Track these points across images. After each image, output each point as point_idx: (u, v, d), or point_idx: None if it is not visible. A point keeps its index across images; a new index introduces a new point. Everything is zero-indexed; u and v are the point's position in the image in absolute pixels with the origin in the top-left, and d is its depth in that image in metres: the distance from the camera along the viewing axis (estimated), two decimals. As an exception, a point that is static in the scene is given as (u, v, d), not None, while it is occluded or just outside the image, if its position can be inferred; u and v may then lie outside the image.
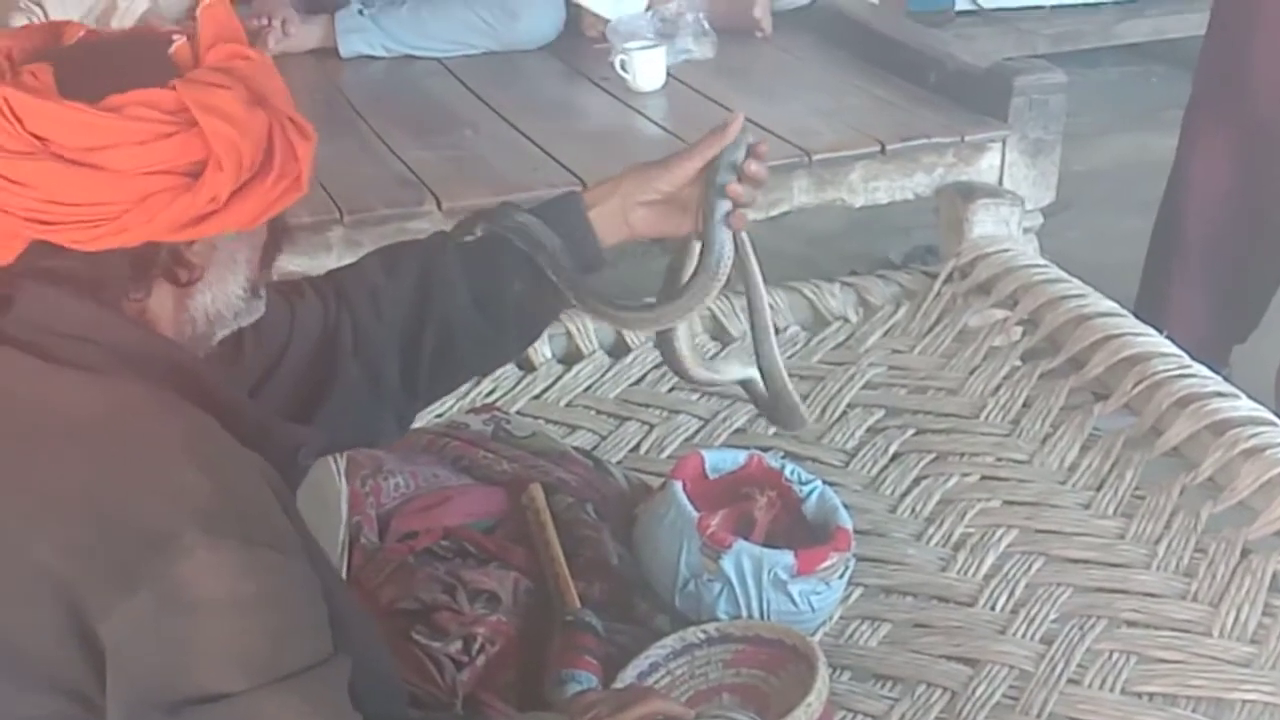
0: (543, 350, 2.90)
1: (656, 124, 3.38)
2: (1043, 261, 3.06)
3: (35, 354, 1.31)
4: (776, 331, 2.98)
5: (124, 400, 1.30)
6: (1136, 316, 2.82)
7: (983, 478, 2.55)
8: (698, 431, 2.71)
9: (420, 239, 1.83)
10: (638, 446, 2.67)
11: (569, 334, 2.92)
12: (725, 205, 1.75)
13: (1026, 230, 3.26)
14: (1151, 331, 2.72)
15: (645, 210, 1.76)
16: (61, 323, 1.32)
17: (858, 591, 2.29)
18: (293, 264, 1.81)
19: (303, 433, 1.47)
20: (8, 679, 1.26)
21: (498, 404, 2.67)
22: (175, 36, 1.36)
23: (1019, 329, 2.92)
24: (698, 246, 1.79)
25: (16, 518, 1.24)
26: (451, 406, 2.71)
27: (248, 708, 1.22)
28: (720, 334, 2.95)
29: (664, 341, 1.92)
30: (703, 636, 2.10)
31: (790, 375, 2.83)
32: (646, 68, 3.53)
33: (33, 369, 1.30)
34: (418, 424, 2.55)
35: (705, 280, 1.78)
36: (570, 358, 2.92)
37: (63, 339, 1.32)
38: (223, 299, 1.43)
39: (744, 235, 1.80)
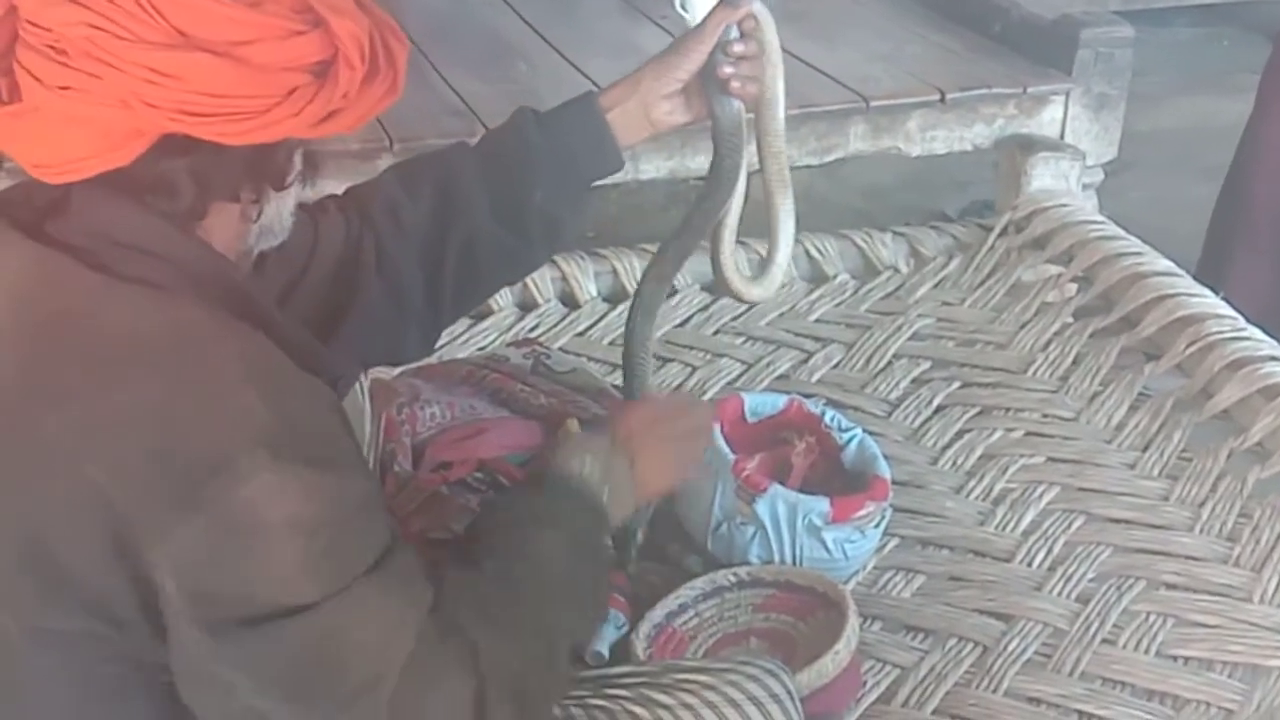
0: (588, 288, 2.88)
1: (714, 64, 3.33)
2: (1100, 218, 3.01)
3: (92, 264, 1.30)
4: (827, 280, 2.99)
5: (184, 322, 1.29)
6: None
7: (1027, 434, 2.52)
8: (740, 375, 2.68)
9: (440, 151, 1.81)
10: (680, 388, 2.65)
11: (615, 272, 2.90)
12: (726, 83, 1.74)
13: (1086, 186, 3.21)
14: (1207, 293, 2.68)
15: (667, 103, 1.75)
16: (122, 232, 1.31)
17: (893, 542, 2.27)
18: (339, 189, 1.79)
19: (343, 362, 1.47)
20: (43, 589, 1.27)
21: (540, 339, 2.65)
22: None
23: (1073, 285, 2.87)
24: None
25: (70, 434, 1.24)
26: (493, 339, 2.70)
27: (324, 616, 1.25)
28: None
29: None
30: (733, 580, 2.08)
31: (837, 323, 2.85)
32: (705, 7, 3.47)
33: (89, 284, 1.29)
34: (459, 354, 2.57)
35: (721, 162, 1.77)
36: (615, 296, 2.90)
37: (123, 250, 1.30)
38: (276, 216, 1.43)
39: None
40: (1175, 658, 2.04)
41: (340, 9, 1.30)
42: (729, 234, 1.91)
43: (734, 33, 1.73)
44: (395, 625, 1.30)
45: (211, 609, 1.23)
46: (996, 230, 3.05)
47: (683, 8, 3.45)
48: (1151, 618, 2.10)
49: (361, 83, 1.32)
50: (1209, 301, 2.64)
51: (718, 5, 1.73)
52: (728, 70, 1.71)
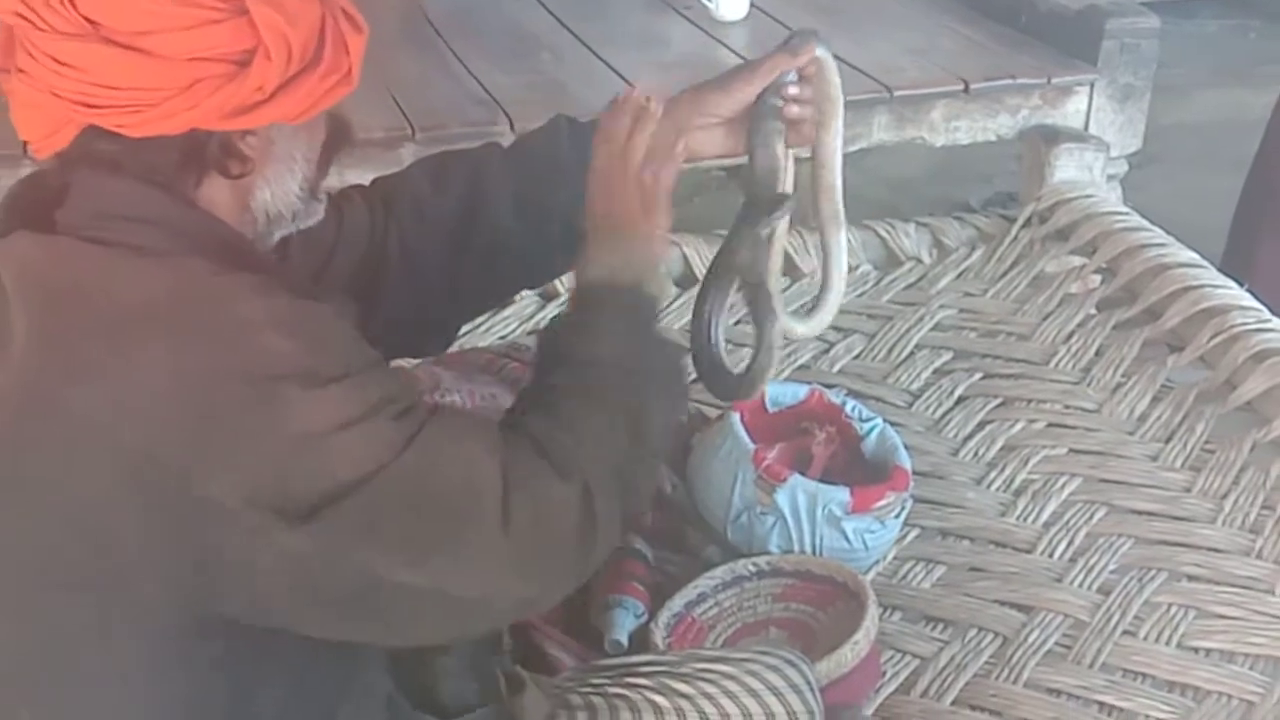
0: (610, 278, 2.87)
1: (738, 55, 3.32)
2: (1124, 209, 3.00)
3: (95, 241, 1.30)
4: (849, 270, 2.97)
5: (190, 279, 1.29)
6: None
7: (1049, 425, 2.52)
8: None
9: (470, 149, 1.80)
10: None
11: (637, 263, 2.89)
12: (776, 126, 1.69)
13: (1110, 177, 3.19)
14: (1231, 284, 2.67)
15: (701, 134, 1.69)
16: (119, 206, 1.32)
17: (914, 532, 2.27)
18: (364, 179, 1.79)
19: (351, 307, 1.47)
20: (93, 566, 1.27)
21: (561, 328, 2.65)
22: None
23: (1096, 277, 2.86)
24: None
25: (101, 408, 1.24)
26: (514, 328, 2.70)
27: (402, 467, 1.27)
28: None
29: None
30: (753, 569, 2.09)
31: (859, 314, 2.84)
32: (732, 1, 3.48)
33: (95, 257, 1.30)
34: (480, 343, 2.57)
35: (754, 204, 1.70)
36: (637, 286, 2.89)
37: (121, 222, 1.31)
38: (282, 197, 1.42)
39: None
40: (1196, 649, 2.03)
41: None
42: (775, 271, 1.84)
43: (791, 76, 1.68)
44: (472, 454, 1.32)
45: (291, 507, 1.24)
46: (1020, 221, 3.04)
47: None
48: (1173, 609, 2.09)
49: (299, 74, 1.31)
50: (1233, 293, 2.63)
51: (777, 49, 1.69)
52: (794, 111, 1.66)
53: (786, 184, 1.70)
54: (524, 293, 2.80)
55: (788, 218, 1.69)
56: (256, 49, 1.28)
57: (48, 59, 1.26)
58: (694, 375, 1.68)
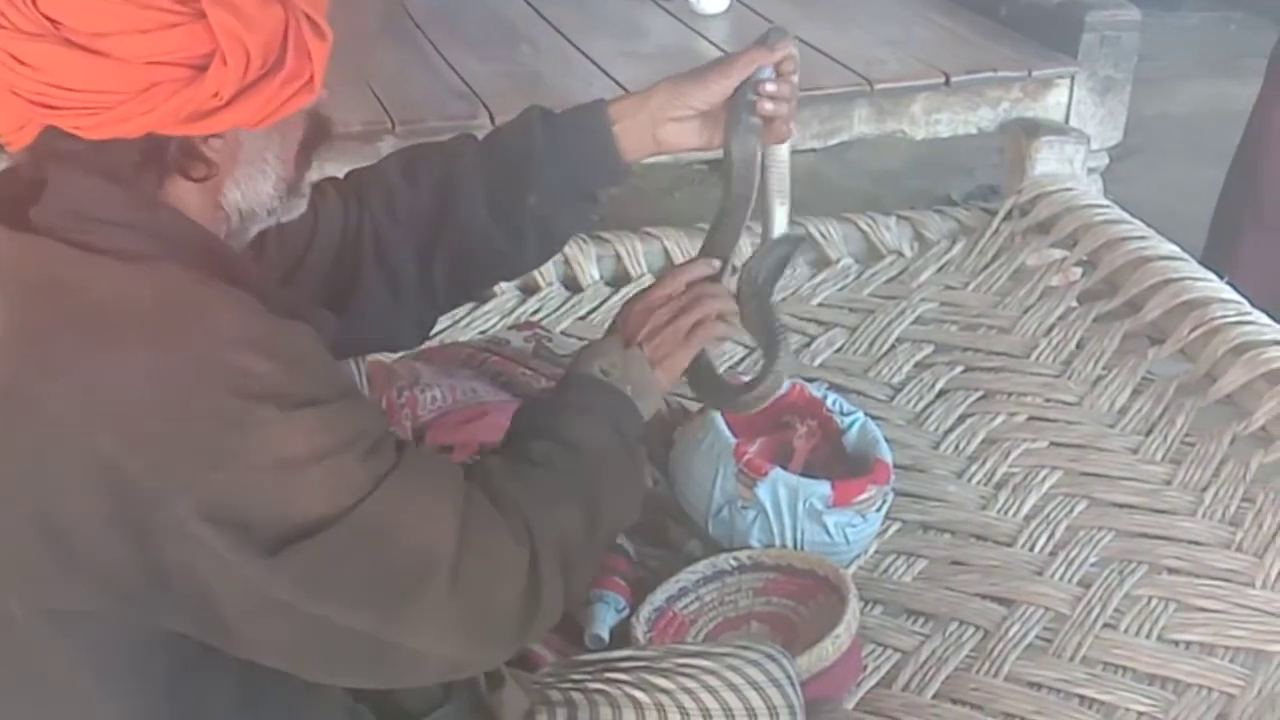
0: (591, 271, 2.88)
1: (718, 47, 3.31)
2: (1105, 202, 3.00)
3: (73, 242, 1.29)
4: (830, 264, 2.98)
5: (169, 290, 1.28)
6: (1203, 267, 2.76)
7: (1030, 418, 2.52)
8: (744, 359, 2.68)
9: (444, 142, 1.79)
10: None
11: (618, 256, 2.90)
12: (752, 122, 1.68)
13: (1091, 170, 3.19)
14: (1211, 277, 2.67)
15: (675, 125, 1.69)
16: (96, 208, 1.30)
17: (895, 526, 2.27)
18: (343, 172, 1.78)
19: (329, 319, 1.46)
20: (53, 569, 1.26)
21: (542, 322, 2.65)
22: None
23: (1077, 269, 2.86)
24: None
25: (75, 410, 1.23)
26: (495, 322, 2.70)
27: (362, 515, 1.27)
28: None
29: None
30: (734, 564, 2.08)
31: (840, 307, 2.85)
32: (711, -9, 3.47)
33: (73, 258, 1.29)
34: (460, 337, 2.56)
35: (732, 205, 1.72)
36: (618, 280, 2.90)
37: (99, 224, 1.30)
38: (254, 197, 1.41)
39: (783, 154, 1.74)
40: (1177, 642, 2.04)
41: (230, 3, 1.26)
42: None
43: (767, 73, 1.68)
44: (433, 507, 1.33)
45: (252, 536, 1.24)
46: (1000, 214, 3.04)
47: (688, -10, 3.46)
48: (1153, 602, 2.09)
49: (258, 80, 1.29)
50: (1213, 286, 2.63)
51: (754, 45, 1.68)
52: (768, 108, 1.66)
53: (769, 181, 1.70)
54: (504, 286, 2.81)
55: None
56: (214, 54, 1.26)
57: (8, 57, 1.25)
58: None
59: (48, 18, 1.23)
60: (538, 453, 1.47)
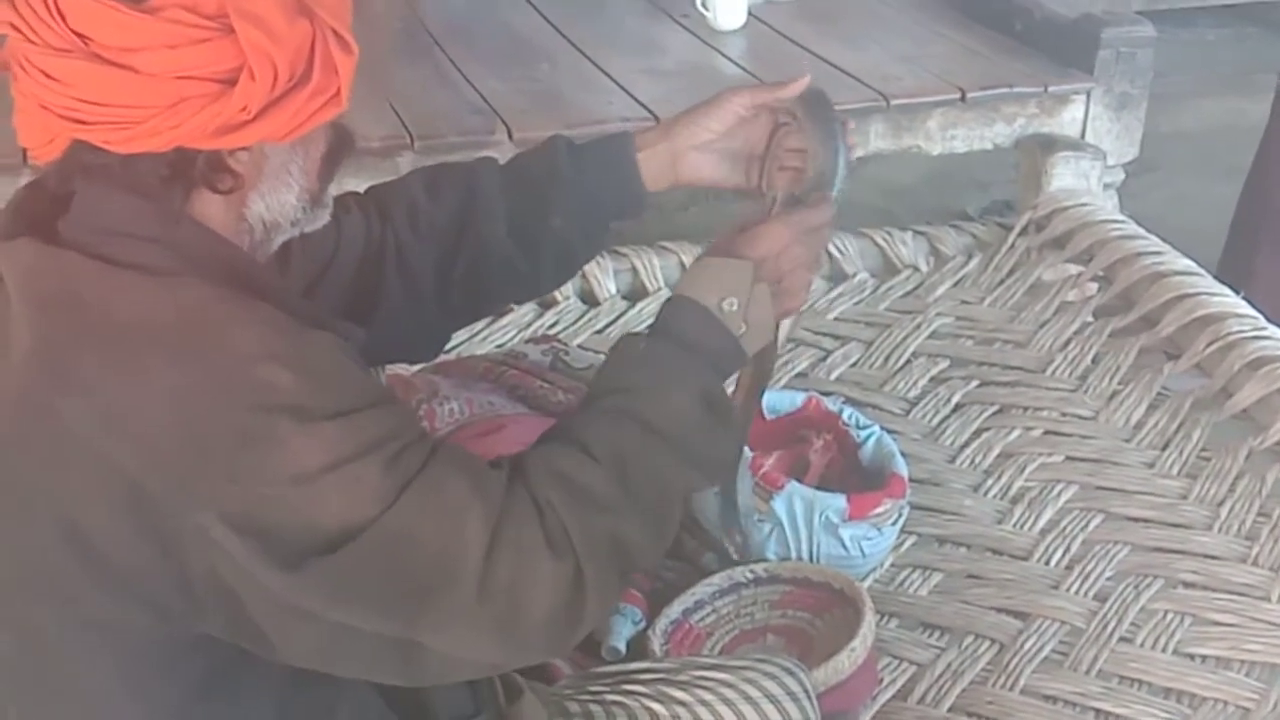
0: (607, 285, 2.89)
1: (735, 63, 3.33)
2: (1121, 217, 3.00)
3: (97, 257, 1.31)
4: (846, 278, 2.99)
5: (193, 305, 1.30)
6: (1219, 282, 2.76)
7: (1046, 432, 2.52)
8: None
9: (468, 162, 1.80)
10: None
11: (634, 271, 2.91)
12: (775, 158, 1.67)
13: (1107, 186, 3.19)
14: (1227, 292, 2.67)
15: (695, 155, 1.69)
16: (122, 223, 1.32)
17: (911, 540, 2.27)
18: (361, 186, 1.80)
19: (356, 331, 1.47)
20: (80, 578, 1.27)
21: (559, 336, 2.66)
22: None
23: (1093, 284, 2.87)
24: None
25: (96, 425, 1.24)
26: (512, 336, 2.71)
27: (387, 524, 1.27)
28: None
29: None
30: (750, 576, 2.09)
31: (856, 321, 2.85)
32: (727, 6, 3.48)
33: (97, 272, 1.30)
34: (478, 351, 2.57)
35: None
36: (635, 294, 2.91)
37: (124, 239, 1.31)
38: (278, 208, 1.42)
39: None
40: (1192, 656, 2.04)
41: (258, 17, 1.27)
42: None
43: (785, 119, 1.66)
44: (461, 514, 1.30)
45: (274, 547, 1.24)
46: (1017, 229, 3.05)
47: (704, 6, 3.48)
48: (1169, 616, 2.10)
49: (286, 94, 1.30)
50: (1229, 300, 2.64)
51: (776, 82, 1.68)
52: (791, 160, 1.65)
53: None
54: (521, 301, 2.82)
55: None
56: (242, 68, 1.27)
57: (38, 72, 1.27)
58: None
59: (77, 34, 1.25)
60: (608, 443, 1.38)
